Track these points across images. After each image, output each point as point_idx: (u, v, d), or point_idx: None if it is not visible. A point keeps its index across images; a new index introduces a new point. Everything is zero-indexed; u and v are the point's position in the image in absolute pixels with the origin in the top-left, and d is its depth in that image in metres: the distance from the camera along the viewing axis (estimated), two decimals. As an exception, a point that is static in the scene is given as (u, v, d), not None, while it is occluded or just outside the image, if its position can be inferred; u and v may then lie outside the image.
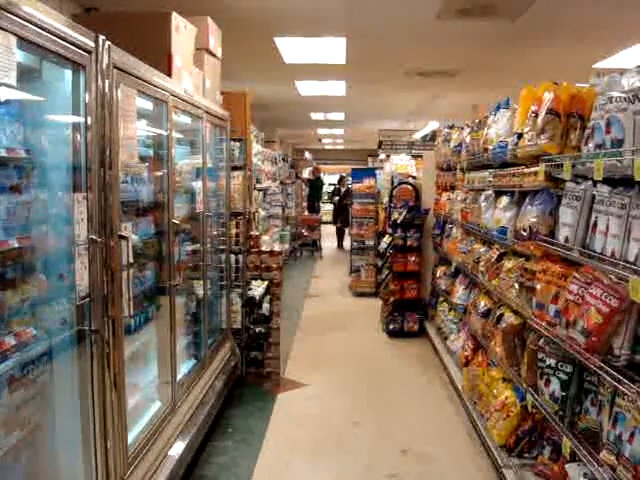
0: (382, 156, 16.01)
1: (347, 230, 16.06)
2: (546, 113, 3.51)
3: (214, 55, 4.96)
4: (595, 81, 3.16)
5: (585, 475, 3.03)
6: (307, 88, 10.63)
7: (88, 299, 2.60)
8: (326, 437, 4.76)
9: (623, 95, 2.65)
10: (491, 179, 4.75)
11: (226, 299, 5.66)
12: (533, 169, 3.75)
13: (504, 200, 4.40)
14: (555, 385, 3.31)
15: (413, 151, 13.49)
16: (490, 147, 4.71)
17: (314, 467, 4.32)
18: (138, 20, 3.80)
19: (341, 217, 17.44)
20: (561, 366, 3.29)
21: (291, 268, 13.08)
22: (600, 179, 2.84)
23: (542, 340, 3.52)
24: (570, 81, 3.67)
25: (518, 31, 6.54)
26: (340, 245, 17.90)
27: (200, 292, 4.86)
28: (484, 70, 8.84)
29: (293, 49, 7.56)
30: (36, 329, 2.46)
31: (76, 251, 2.50)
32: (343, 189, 18.47)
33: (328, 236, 18.22)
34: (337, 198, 18.56)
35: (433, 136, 11.79)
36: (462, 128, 6.37)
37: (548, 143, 3.47)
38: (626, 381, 2.56)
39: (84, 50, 2.45)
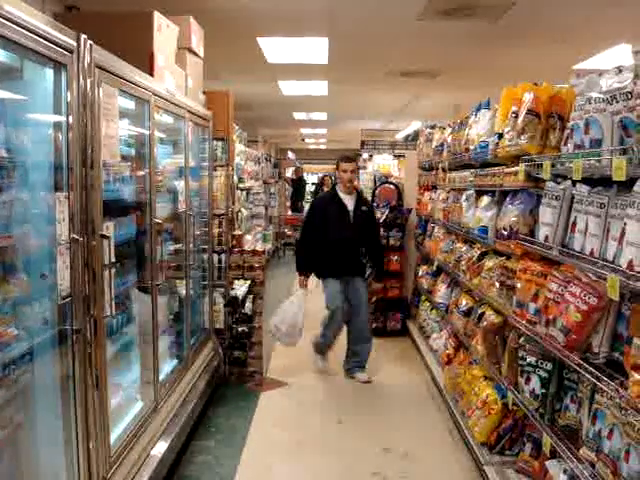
0: (365, 156, 16.04)
1: None
2: (526, 113, 3.55)
3: (196, 54, 4.95)
4: (574, 82, 3.19)
5: (565, 471, 3.06)
6: (290, 88, 10.64)
7: (70, 299, 2.59)
8: (309, 436, 4.77)
9: (601, 96, 2.69)
10: (472, 179, 4.78)
11: (209, 299, 5.65)
12: (513, 169, 3.79)
13: (485, 200, 4.43)
14: (535, 383, 3.34)
15: (395, 151, 13.52)
16: (471, 147, 4.75)
17: (297, 466, 4.32)
18: (120, 19, 3.80)
19: None
20: (541, 364, 3.32)
21: (274, 268, 13.07)
22: (579, 179, 2.88)
23: (522, 338, 3.55)
24: (551, 81, 3.71)
25: (499, 32, 6.60)
26: None
27: (183, 292, 4.85)
28: (466, 70, 8.90)
29: (276, 49, 7.58)
30: (17, 329, 2.45)
31: (58, 250, 2.50)
32: (326, 189, 15.72)
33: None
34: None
35: (415, 136, 11.81)
36: (444, 128, 6.41)
37: (528, 143, 3.51)
38: (605, 378, 2.60)
39: (66, 49, 2.45)
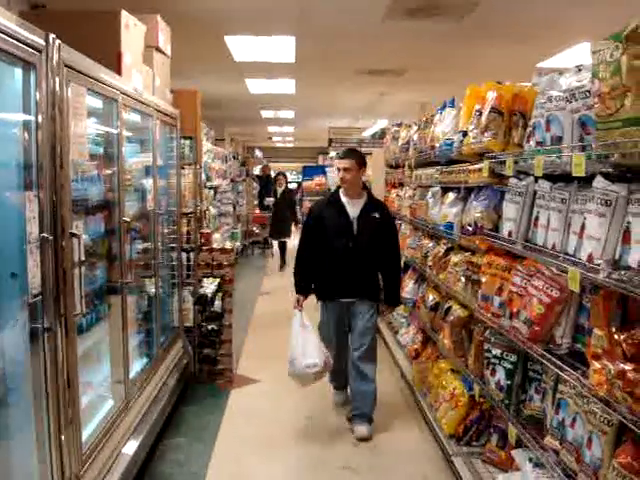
0: (332, 154, 16.09)
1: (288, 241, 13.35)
2: (489, 112, 3.63)
3: (164, 53, 4.95)
4: (536, 80, 3.28)
5: (530, 460, 3.14)
6: (257, 86, 10.65)
7: (40, 297, 2.60)
8: (279, 432, 4.81)
9: (562, 94, 2.77)
10: (438, 176, 4.86)
11: (178, 297, 5.65)
12: (477, 166, 3.87)
13: (450, 196, 4.51)
14: (500, 374, 3.43)
15: (363, 148, 13.58)
16: (437, 145, 4.82)
17: (268, 461, 4.36)
18: (87, 18, 3.78)
19: (280, 227, 13.32)
20: (506, 356, 3.41)
21: (243, 266, 13.07)
22: (540, 175, 2.96)
23: (488, 331, 3.63)
24: (516, 79, 3.80)
25: (464, 31, 6.69)
26: (283, 264, 13.10)
27: (152, 290, 4.85)
28: (431, 69, 9.00)
29: (243, 47, 7.58)
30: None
31: (28, 249, 2.50)
32: (280, 189, 13.91)
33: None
34: (271, 200, 14.11)
35: (382, 134, 11.89)
36: (410, 126, 6.48)
37: (491, 141, 3.59)
38: (567, 368, 2.68)
39: (35, 49, 2.46)
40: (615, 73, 2.14)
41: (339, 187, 4.95)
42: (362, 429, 4.70)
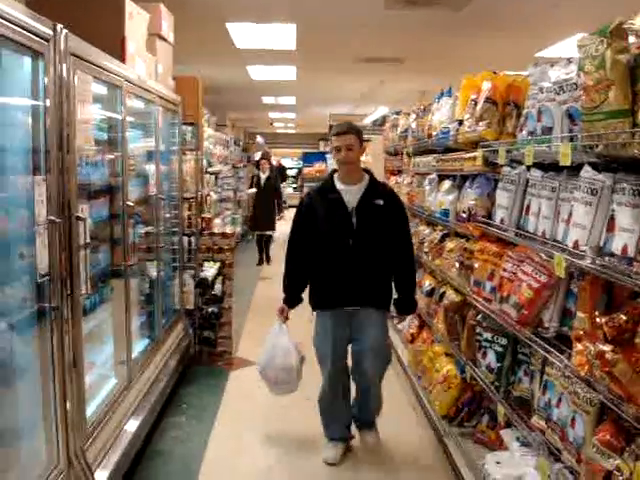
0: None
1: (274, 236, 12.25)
2: (484, 101, 3.71)
3: (166, 40, 5.04)
4: (530, 71, 3.36)
5: (518, 439, 3.27)
6: (258, 73, 10.70)
7: (48, 277, 2.71)
8: (277, 412, 4.93)
9: (551, 86, 2.86)
10: (435, 164, 4.94)
11: (179, 280, 5.77)
12: (472, 154, 3.95)
13: (446, 184, 4.60)
14: (491, 357, 3.54)
15: (364, 136, 13.63)
16: (434, 133, 4.91)
17: (265, 440, 4.49)
18: (92, 6, 3.85)
19: (263, 218, 11.70)
20: (496, 339, 3.51)
21: (243, 251, 13.17)
22: (531, 164, 3.06)
23: (480, 315, 3.73)
24: (516, 69, 3.86)
25: (463, 20, 6.76)
26: (267, 259, 12.04)
27: (154, 274, 4.97)
28: (431, 58, 9.08)
29: (244, 34, 7.66)
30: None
31: (36, 231, 2.61)
32: (263, 176, 11.90)
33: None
34: (254, 190, 12.02)
35: (383, 121, 11.95)
36: (408, 114, 6.56)
37: (486, 130, 3.67)
38: (554, 351, 2.77)
39: (43, 38, 2.55)
40: (600, 67, 2.23)
41: (333, 171, 4.18)
42: (369, 434, 4.40)
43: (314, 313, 4.19)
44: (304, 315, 4.37)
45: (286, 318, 4.23)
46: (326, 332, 4.10)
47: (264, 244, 11.99)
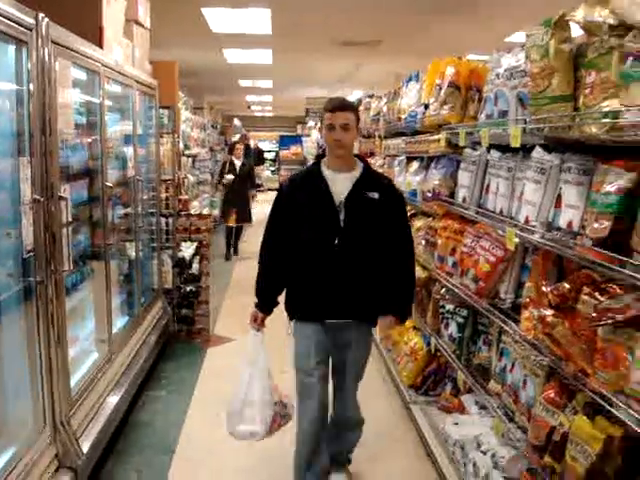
0: (311, 123, 16.25)
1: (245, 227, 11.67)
2: (448, 86, 3.89)
3: (143, 26, 5.15)
4: (490, 57, 3.55)
5: (477, 403, 3.51)
6: (234, 56, 10.81)
7: (33, 253, 2.88)
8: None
9: (504, 72, 3.05)
10: (404, 146, 5.12)
11: (157, 260, 5.92)
12: (437, 137, 4.14)
13: (414, 165, 4.80)
14: (453, 328, 3.76)
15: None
16: (403, 116, 5.08)
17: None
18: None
19: (237, 206, 10.76)
20: (458, 311, 3.73)
21: (221, 233, 13.27)
22: (487, 146, 3.25)
23: (443, 289, 3.95)
24: (489, 53, 4.01)
25: (439, 3, 6.92)
26: (235, 251, 11.18)
27: (132, 254, 5.11)
28: (406, 41, 9.25)
29: (220, 19, 7.78)
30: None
31: (22, 210, 2.77)
32: (238, 162, 10.94)
33: (257, 202, 18.07)
34: (230, 177, 10.75)
35: (359, 104, 12.08)
36: (380, 98, 6.73)
37: (449, 113, 3.86)
38: (509, 321, 2.99)
39: (26, 27, 2.70)
40: (544, 55, 2.43)
41: (320, 156, 3.44)
42: (340, 477, 3.70)
43: (291, 323, 3.49)
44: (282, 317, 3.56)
45: (261, 325, 3.51)
46: (304, 344, 3.40)
47: (234, 236, 11.13)
